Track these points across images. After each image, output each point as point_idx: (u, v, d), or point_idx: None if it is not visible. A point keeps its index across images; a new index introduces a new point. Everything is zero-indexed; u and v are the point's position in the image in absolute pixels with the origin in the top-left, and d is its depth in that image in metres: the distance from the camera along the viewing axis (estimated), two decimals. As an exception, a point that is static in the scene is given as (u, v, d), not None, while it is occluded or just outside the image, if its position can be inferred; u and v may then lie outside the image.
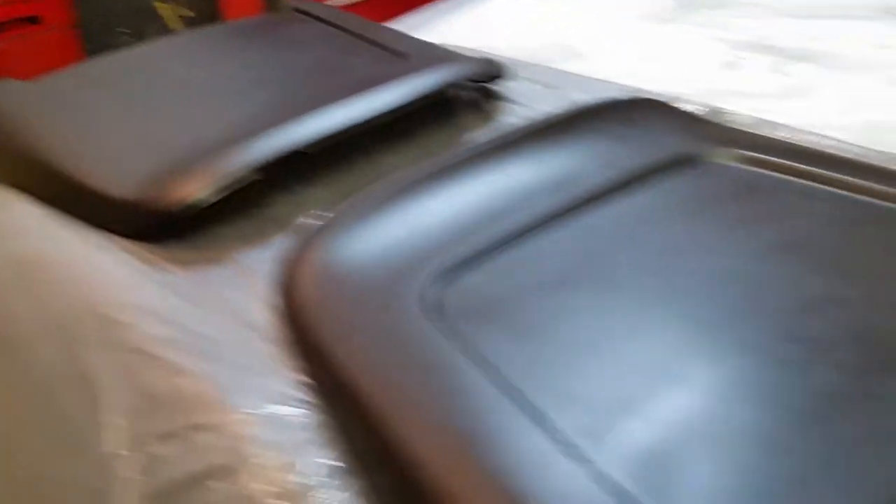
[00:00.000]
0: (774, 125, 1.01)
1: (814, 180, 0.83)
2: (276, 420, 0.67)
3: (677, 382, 0.61)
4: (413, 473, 0.56)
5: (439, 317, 0.68)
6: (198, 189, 0.84)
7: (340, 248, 0.77)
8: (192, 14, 2.21)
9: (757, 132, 1.00)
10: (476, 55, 1.28)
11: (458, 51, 1.32)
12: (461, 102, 1.18)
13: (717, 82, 1.23)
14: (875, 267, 0.71)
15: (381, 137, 1.09)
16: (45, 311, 0.86)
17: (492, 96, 1.19)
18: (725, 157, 0.88)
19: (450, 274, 0.72)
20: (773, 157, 0.87)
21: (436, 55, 1.17)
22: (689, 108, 1.07)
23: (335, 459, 0.63)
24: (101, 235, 0.91)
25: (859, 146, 0.97)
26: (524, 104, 1.16)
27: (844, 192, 0.81)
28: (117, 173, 0.92)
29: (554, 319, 0.68)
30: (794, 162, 0.86)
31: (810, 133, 1.00)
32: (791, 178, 0.84)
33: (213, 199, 0.85)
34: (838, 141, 0.98)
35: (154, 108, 1.05)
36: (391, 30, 1.32)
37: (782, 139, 0.95)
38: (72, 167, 0.95)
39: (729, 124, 1.03)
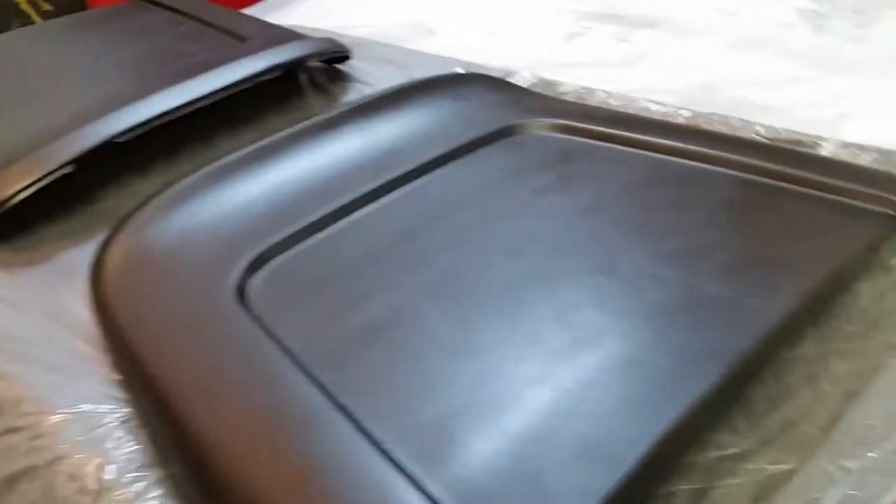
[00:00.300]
0: (602, 93, 1.05)
1: (625, 144, 0.87)
2: (89, 418, 0.67)
3: (473, 359, 0.63)
4: (209, 462, 0.57)
5: (246, 304, 0.68)
6: (3, 188, 0.82)
7: (149, 237, 0.77)
8: (51, 8, 2.11)
9: (583, 101, 1.04)
10: (322, 36, 1.28)
11: (308, 32, 1.32)
12: (308, 84, 1.18)
13: (561, 54, 1.26)
14: (665, 222, 0.75)
15: (221, 123, 1.09)
16: None
17: (338, 77, 1.20)
18: (544, 128, 0.91)
19: (261, 260, 0.73)
20: (589, 125, 0.90)
21: (275, 37, 1.16)
22: (521, 80, 1.09)
23: (141, 453, 0.63)
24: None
25: (684, 108, 1.02)
26: (369, 83, 1.16)
27: (651, 154, 0.85)
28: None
29: (360, 300, 0.69)
30: (608, 128, 0.89)
31: (636, 99, 1.04)
32: (604, 144, 0.88)
33: (21, 197, 0.83)
34: (664, 105, 1.02)
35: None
36: (234, 14, 1.30)
37: (602, 107, 0.98)
38: None
39: (558, 95, 1.06)
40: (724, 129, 0.95)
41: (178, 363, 0.65)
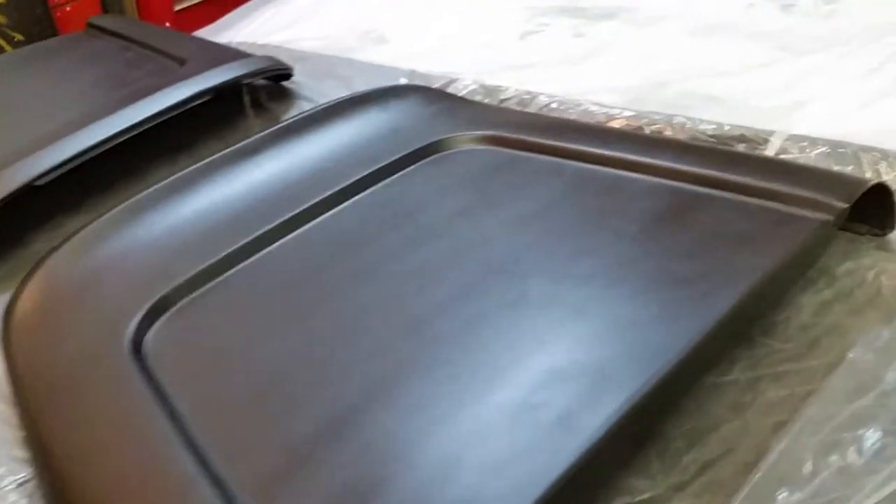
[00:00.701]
0: (545, 98, 0.99)
1: (554, 154, 0.82)
2: None
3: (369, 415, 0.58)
4: None
5: (141, 357, 0.65)
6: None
7: (55, 283, 0.75)
8: (23, 38, 2.10)
9: (524, 108, 0.99)
10: (270, 51, 1.25)
11: (257, 48, 1.29)
12: (249, 105, 1.15)
13: (514, 54, 1.20)
14: (582, 240, 0.70)
15: (160, 151, 1.06)
16: None
17: (281, 95, 1.16)
18: (473, 141, 0.86)
19: (161, 307, 0.70)
20: (520, 135, 0.85)
21: (215, 58, 1.13)
22: (462, 88, 1.05)
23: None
24: None
25: (627, 109, 0.96)
26: (312, 99, 1.13)
27: (579, 164, 0.80)
28: None
29: (256, 349, 0.65)
30: (539, 138, 0.84)
31: (580, 102, 0.98)
32: (533, 156, 0.83)
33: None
34: (607, 107, 0.96)
35: None
36: (179, 36, 1.28)
37: (539, 114, 0.94)
38: None
39: (500, 102, 1.01)
40: (667, 130, 0.90)
41: (65, 423, 0.62)
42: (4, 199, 0.87)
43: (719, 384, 0.64)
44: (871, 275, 0.72)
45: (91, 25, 1.34)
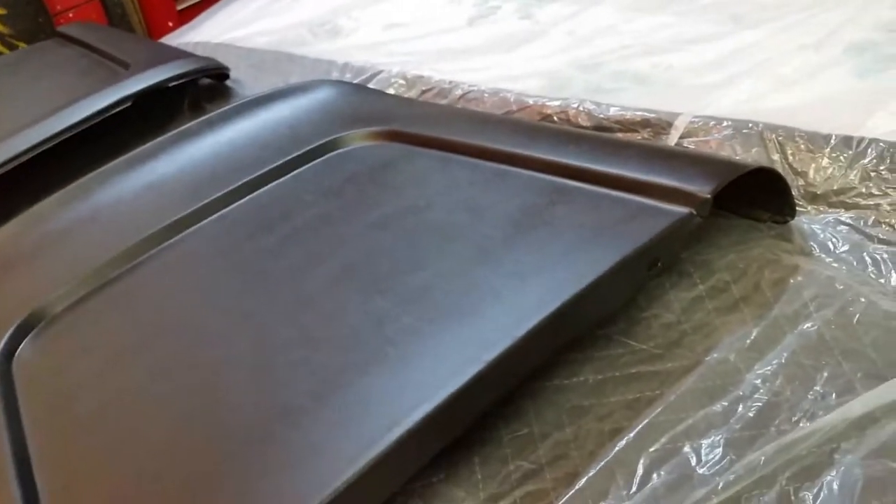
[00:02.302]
0: (466, 87, 0.97)
1: (445, 149, 0.79)
2: None
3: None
4: None
5: (9, 373, 0.67)
6: None
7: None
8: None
9: (442, 98, 0.97)
10: (218, 51, 1.25)
11: (210, 48, 1.30)
12: (187, 107, 1.16)
13: (459, 41, 1.17)
14: (445, 237, 0.68)
15: (96, 157, 1.08)
16: None
17: (221, 95, 1.17)
18: (370, 137, 0.85)
19: (35, 319, 0.71)
20: (417, 130, 0.83)
21: (157, 61, 1.14)
22: (384, 80, 1.03)
23: None
24: None
25: (543, 96, 0.92)
26: (248, 96, 1.13)
27: (466, 158, 0.77)
28: None
29: (110, 370, 0.65)
30: (434, 133, 0.82)
31: (498, 90, 0.95)
32: (424, 150, 0.80)
33: None
34: (524, 94, 0.93)
35: None
36: (135, 40, 1.30)
37: (443, 107, 0.91)
38: None
39: (421, 93, 0.99)
40: (577, 117, 0.86)
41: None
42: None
43: (563, 387, 0.61)
44: (753, 268, 0.67)
45: (58, 34, 1.38)
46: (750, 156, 0.76)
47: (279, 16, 1.41)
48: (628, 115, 0.83)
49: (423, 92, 0.99)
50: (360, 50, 1.21)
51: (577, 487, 0.53)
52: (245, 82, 1.17)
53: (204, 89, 1.19)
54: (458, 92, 0.96)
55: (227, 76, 1.16)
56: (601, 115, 0.84)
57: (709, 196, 0.62)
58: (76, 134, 1.03)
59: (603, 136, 0.80)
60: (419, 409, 0.51)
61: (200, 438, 0.56)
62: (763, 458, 0.52)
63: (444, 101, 0.96)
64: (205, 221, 0.79)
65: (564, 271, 0.59)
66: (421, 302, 0.61)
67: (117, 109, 1.02)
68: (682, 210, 0.62)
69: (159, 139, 0.92)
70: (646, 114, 0.82)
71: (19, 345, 0.70)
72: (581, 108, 0.86)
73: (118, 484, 0.55)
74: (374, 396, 0.54)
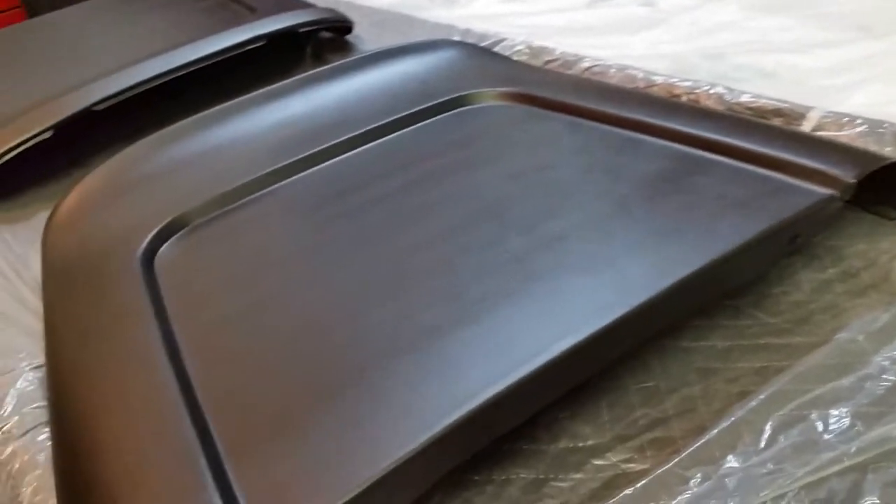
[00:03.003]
0: (590, 61, 0.98)
1: (574, 114, 0.81)
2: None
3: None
4: (72, 434, 0.60)
5: (149, 270, 0.70)
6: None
7: (88, 197, 0.81)
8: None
9: (567, 70, 0.98)
10: (338, 7, 1.28)
11: (329, 3, 1.33)
12: (310, 56, 1.20)
13: (578, 20, 1.19)
14: (581, 193, 0.70)
15: (218, 94, 1.12)
16: None
17: (342, 48, 1.20)
18: (499, 97, 0.87)
19: (178, 224, 0.75)
20: (546, 94, 0.85)
21: (283, 7, 1.17)
22: (508, 48, 1.05)
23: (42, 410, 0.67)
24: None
25: (671, 76, 0.94)
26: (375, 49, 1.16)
27: (595, 124, 0.79)
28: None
29: (257, 273, 0.68)
30: (563, 98, 0.84)
31: (625, 67, 0.97)
32: (553, 114, 0.82)
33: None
34: (648, 72, 0.94)
35: (15, 76, 1.12)
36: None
37: (571, 76, 0.93)
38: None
39: (544, 63, 1.01)
40: (706, 100, 0.87)
41: (73, 316, 0.68)
42: (65, 120, 0.95)
43: (690, 349, 0.62)
44: (884, 258, 0.68)
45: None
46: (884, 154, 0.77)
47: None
48: (760, 102, 0.83)
49: (547, 62, 1.01)
50: (477, 20, 1.24)
51: (705, 439, 0.54)
52: (366, 39, 1.20)
53: (325, 42, 1.22)
54: (584, 65, 0.98)
55: (349, 30, 1.19)
56: (732, 101, 0.85)
57: (854, 181, 0.63)
58: (193, 73, 1.07)
59: (740, 115, 0.81)
60: (563, 341, 0.54)
61: (337, 347, 0.59)
62: (895, 431, 0.53)
63: (568, 73, 0.97)
64: (336, 159, 0.81)
65: (708, 235, 0.61)
66: (559, 247, 0.63)
67: (247, 48, 1.05)
68: (826, 191, 0.63)
69: (291, 80, 0.95)
70: (778, 103, 0.83)
71: (160, 247, 0.73)
72: (712, 91, 0.87)
73: (261, 375, 0.58)
74: (516, 324, 0.57)
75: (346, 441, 0.49)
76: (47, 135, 0.93)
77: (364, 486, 0.46)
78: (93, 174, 0.86)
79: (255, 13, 1.19)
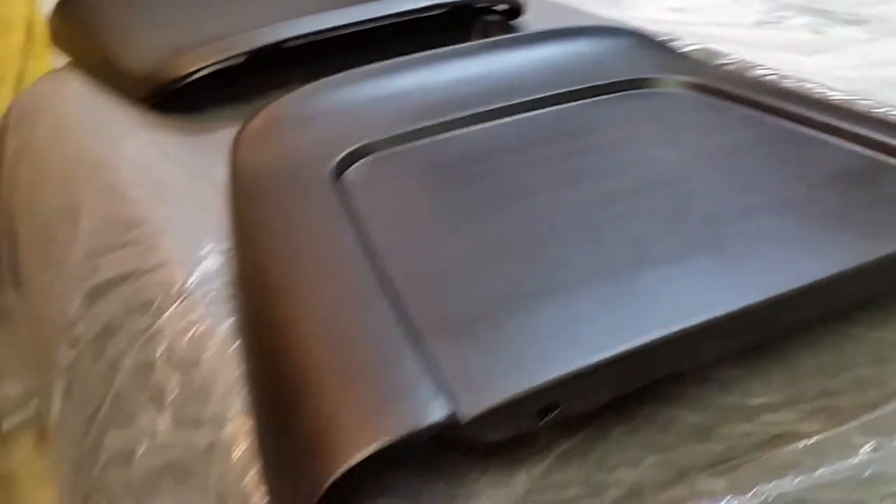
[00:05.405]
0: (762, 70, 0.99)
1: (754, 108, 0.83)
2: (192, 245, 0.77)
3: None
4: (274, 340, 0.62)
5: (340, 186, 0.75)
6: (186, 67, 0.98)
7: (277, 119, 0.87)
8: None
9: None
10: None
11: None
12: (479, 34, 1.24)
13: (746, 36, 1.20)
14: (764, 181, 0.71)
15: (387, 54, 1.18)
16: (63, 158, 1.03)
17: (506, 31, 1.24)
18: (676, 85, 0.89)
19: (368, 149, 0.79)
20: (725, 87, 0.87)
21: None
22: (683, 46, 1.07)
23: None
24: (127, 104, 1.06)
25: (850, 95, 0.94)
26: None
27: (776, 119, 0.80)
28: (143, 55, 1.07)
29: (455, 194, 0.73)
30: (743, 92, 0.85)
31: (802, 79, 0.97)
32: (732, 105, 0.84)
33: (197, 76, 0.98)
34: (824, 87, 0.95)
35: (189, 11, 1.20)
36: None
37: (747, 74, 0.94)
38: (113, 50, 1.12)
39: (721, 67, 1.03)
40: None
41: (261, 225, 0.73)
42: (254, 51, 1.02)
43: (867, 336, 0.63)
44: None
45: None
46: None
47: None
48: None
49: (722, 65, 1.03)
50: (642, 23, 1.26)
51: (880, 412, 0.55)
52: (532, 27, 1.24)
53: (490, 25, 1.27)
54: (759, 72, 0.99)
55: (518, 13, 1.23)
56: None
57: None
58: (367, 33, 1.13)
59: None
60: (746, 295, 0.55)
61: (534, 262, 0.62)
62: None
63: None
64: (514, 117, 0.84)
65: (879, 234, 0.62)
66: (747, 217, 0.65)
67: (425, 14, 1.11)
68: None
69: (474, 42, 1.00)
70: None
71: (347, 168, 0.78)
72: (893, 114, 0.87)
73: (459, 271, 0.62)
74: (707, 276, 0.58)
75: (546, 337, 0.52)
76: (239, 60, 1.00)
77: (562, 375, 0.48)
78: (279, 101, 0.92)
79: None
